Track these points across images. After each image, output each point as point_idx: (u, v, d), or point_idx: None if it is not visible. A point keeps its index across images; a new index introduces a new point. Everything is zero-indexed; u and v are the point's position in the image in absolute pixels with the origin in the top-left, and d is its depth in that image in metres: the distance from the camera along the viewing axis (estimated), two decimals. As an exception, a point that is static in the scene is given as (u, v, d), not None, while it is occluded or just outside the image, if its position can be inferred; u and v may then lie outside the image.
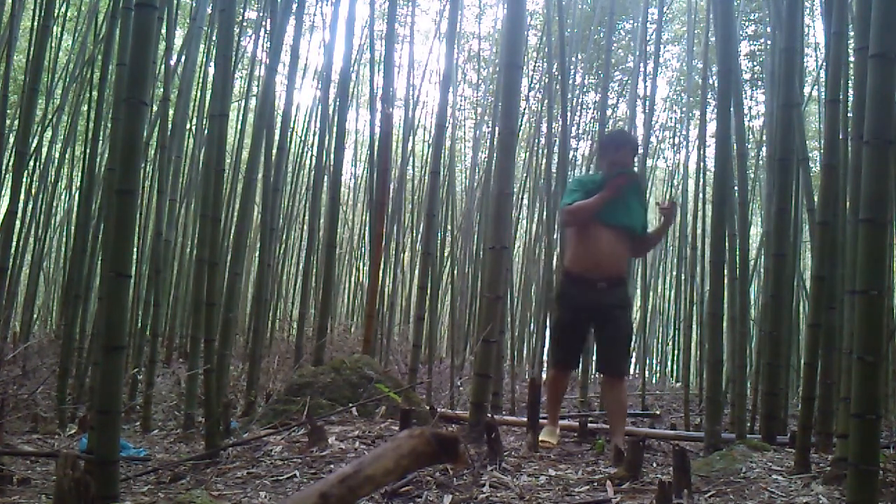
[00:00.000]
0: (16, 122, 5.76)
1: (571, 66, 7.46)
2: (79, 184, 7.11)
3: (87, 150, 4.92)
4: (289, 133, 6.23)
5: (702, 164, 7.28)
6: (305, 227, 7.56)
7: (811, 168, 4.66)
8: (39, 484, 2.71)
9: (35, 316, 7.99)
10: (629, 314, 3.79)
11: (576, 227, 3.67)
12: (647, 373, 8.41)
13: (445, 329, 10.34)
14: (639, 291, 8.09)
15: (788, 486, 2.46)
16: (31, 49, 4.62)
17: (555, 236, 6.08)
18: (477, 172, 8.61)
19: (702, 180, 7.27)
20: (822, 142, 4.05)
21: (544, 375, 6.48)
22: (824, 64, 4.76)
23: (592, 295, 3.56)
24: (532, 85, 8.67)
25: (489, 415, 3.15)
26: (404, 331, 8.68)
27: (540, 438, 3.44)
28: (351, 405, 3.53)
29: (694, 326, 7.32)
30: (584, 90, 9.40)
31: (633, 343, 4.05)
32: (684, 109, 9.82)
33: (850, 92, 3.31)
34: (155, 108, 5.33)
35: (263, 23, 6.35)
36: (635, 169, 4.20)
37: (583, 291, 3.60)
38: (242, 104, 8.74)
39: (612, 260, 3.59)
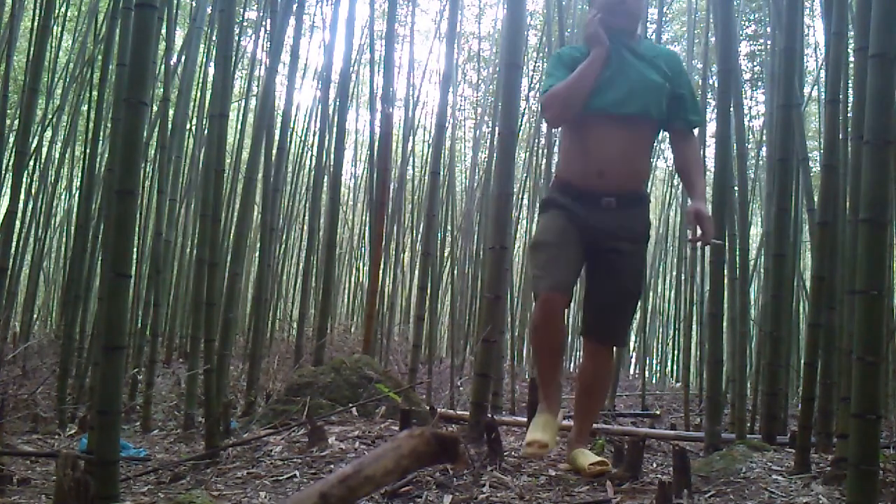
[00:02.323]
0: (16, 122, 5.76)
1: (571, 66, 7.45)
2: (79, 184, 7.11)
3: (87, 150, 4.92)
4: (289, 133, 6.23)
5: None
6: (305, 227, 7.56)
7: (811, 168, 4.66)
8: (39, 484, 2.71)
9: (35, 316, 7.98)
10: (644, 252, 2.70)
11: (567, 125, 2.65)
12: (647, 373, 8.41)
13: (445, 329, 10.34)
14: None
15: (788, 486, 2.46)
16: (31, 49, 4.62)
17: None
18: (477, 172, 8.61)
19: (702, 180, 7.26)
20: (822, 142, 4.05)
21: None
22: (824, 64, 4.76)
23: (595, 214, 2.53)
24: (532, 85, 8.67)
25: (489, 415, 3.14)
26: (404, 331, 8.68)
27: (528, 439, 2.58)
28: (351, 405, 3.53)
29: (694, 326, 7.31)
30: (584, 90, 9.38)
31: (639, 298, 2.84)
32: (684, 109, 9.80)
33: (850, 92, 3.31)
34: (155, 108, 5.33)
35: (263, 23, 6.35)
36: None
37: (581, 205, 2.55)
38: (242, 104, 8.74)
39: (623, 165, 2.52)
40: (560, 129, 2.77)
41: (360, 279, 10.52)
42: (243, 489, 2.41)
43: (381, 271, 5.64)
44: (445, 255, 8.10)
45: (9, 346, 5.51)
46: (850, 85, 3.40)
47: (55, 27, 6.18)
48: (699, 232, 2.49)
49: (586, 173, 2.55)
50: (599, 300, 2.60)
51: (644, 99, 2.52)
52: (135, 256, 5.61)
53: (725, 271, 3.72)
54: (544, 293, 2.48)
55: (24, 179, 5.29)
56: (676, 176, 2.80)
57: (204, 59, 7.09)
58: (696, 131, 2.80)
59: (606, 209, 2.52)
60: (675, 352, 11.00)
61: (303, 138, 8.53)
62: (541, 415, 2.63)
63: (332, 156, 5.50)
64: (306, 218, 7.68)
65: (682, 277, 7.95)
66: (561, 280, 2.48)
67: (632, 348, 11.54)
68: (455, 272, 7.83)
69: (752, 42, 8.60)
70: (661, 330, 11.97)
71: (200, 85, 7.06)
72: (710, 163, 5.94)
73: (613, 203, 2.52)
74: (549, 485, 2.47)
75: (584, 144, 2.55)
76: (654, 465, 3.23)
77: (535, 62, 8.67)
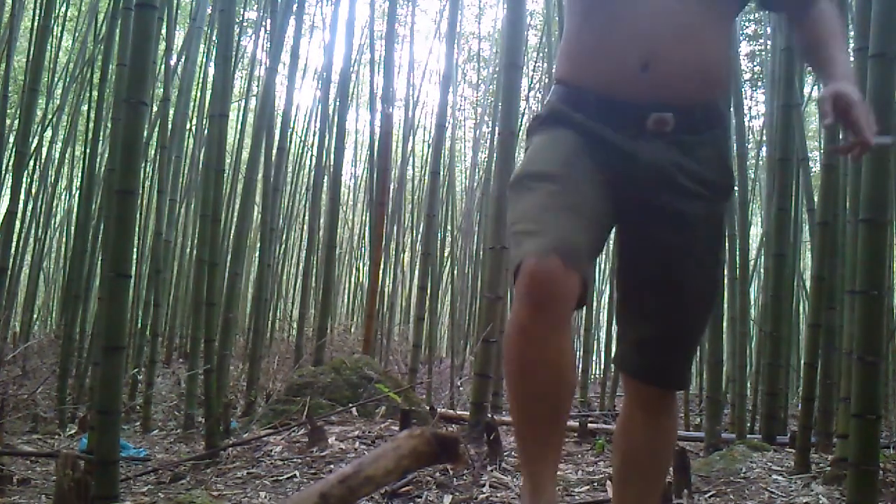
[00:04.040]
0: (16, 122, 5.76)
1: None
2: (79, 184, 7.12)
3: (87, 150, 4.92)
4: (289, 133, 6.23)
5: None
6: (305, 227, 7.56)
7: (811, 168, 4.66)
8: (39, 484, 2.71)
9: (35, 316, 7.99)
10: (725, 218, 1.54)
11: None
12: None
13: (445, 329, 10.34)
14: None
15: (788, 486, 2.47)
16: (31, 49, 4.62)
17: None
18: (477, 172, 8.61)
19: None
20: (822, 142, 4.05)
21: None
22: (824, 64, 4.75)
23: (634, 144, 1.36)
24: (532, 85, 8.66)
25: (489, 415, 3.14)
26: (404, 331, 8.68)
27: None
28: (351, 405, 3.53)
29: (694, 326, 7.29)
30: (584, 90, 9.39)
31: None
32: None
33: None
34: (155, 108, 5.33)
35: (263, 23, 6.36)
36: None
37: (609, 127, 1.37)
38: (242, 104, 8.74)
39: (686, 51, 1.36)
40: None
41: (360, 279, 10.52)
42: (243, 489, 2.41)
43: (381, 271, 5.64)
44: (445, 255, 8.10)
45: (9, 346, 5.51)
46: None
47: (55, 27, 6.18)
48: (849, 129, 1.37)
49: (618, 66, 1.35)
50: (651, 312, 1.40)
51: None
52: (135, 256, 5.61)
53: (725, 271, 3.72)
54: (534, 259, 1.22)
55: (24, 179, 5.29)
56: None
57: (204, 59, 7.09)
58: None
59: (657, 133, 1.35)
60: (675, 352, 10.97)
61: (303, 138, 8.53)
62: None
63: (332, 156, 5.50)
64: (306, 218, 7.68)
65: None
66: (569, 237, 1.25)
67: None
68: (455, 272, 7.83)
69: (752, 42, 8.60)
70: (661, 330, 11.95)
71: (200, 85, 7.06)
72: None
73: (670, 121, 1.34)
74: (549, 485, 2.46)
75: (613, 18, 1.36)
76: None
77: (535, 62, 8.67)
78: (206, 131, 5.43)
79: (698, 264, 1.39)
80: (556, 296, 1.22)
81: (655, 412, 1.45)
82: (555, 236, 1.25)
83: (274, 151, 4.72)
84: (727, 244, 4.01)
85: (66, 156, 7.47)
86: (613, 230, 1.46)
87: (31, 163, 6.26)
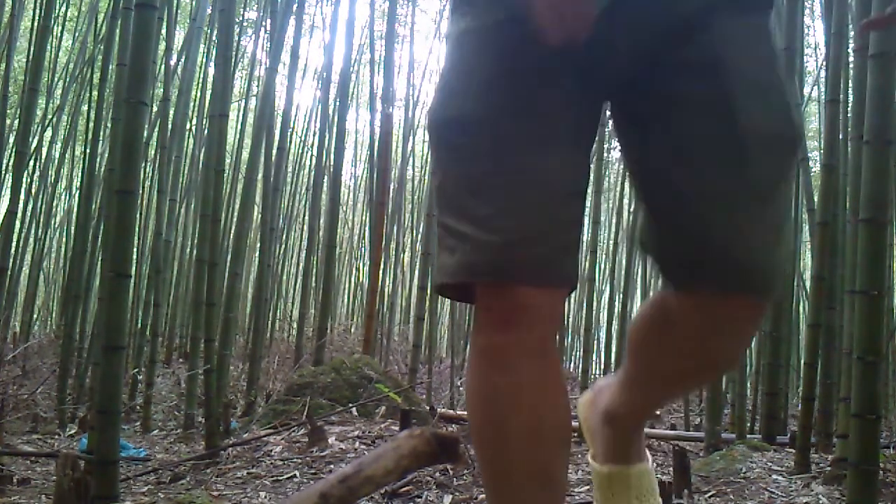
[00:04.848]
0: (16, 122, 5.76)
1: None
2: (79, 184, 7.11)
3: (87, 150, 4.92)
4: (289, 133, 6.23)
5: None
6: (305, 227, 7.56)
7: (811, 168, 4.66)
8: (39, 484, 2.71)
9: (35, 316, 7.98)
10: (772, 39, 1.05)
11: None
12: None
13: (445, 329, 10.34)
14: (639, 292, 8.09)
15: (788, 486, 2.47)
16: (31, 49, 4.62)
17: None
18: (477, 172, 8.59)
19: (702, 180, 7.24)
20: (822, 142, 4.04)
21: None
22: (824, 64, 4.75)
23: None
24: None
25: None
26: (404, 331, 8.68)
27: None
28: (351, 405, 3.53)
29: (694, 326, 7.28)
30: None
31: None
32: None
33: (850, 92, 3.31)
34: (155, 108, 5.33)
35: (263, 23, 6.36)
36: None
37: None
38: (242, 104, 8.74)
39: None
40: None
41: (360, 279, 10.51)
42: (243, 489, 2.41)
43: (381, 271, 5.64)
44: (445, 255, 8.07)
45: (9, 346, 5.51)
46: (850, 85, 3.40)
47: (55, 27, 6.18)
48: None
49: None
50: (709, 191, 0.99)
51: None
52: (135, 256, 5.61)
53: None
54: (485, 298, 0.97)
55: (24, 179, 5.29)
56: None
57: (204, 59, 7.09)
58: None
59: None
60: (675, 352, 10.96)
61: (303, 138, 8.53)
62: None
63: (332, 156, 5.50)
64: (306, 218, 7.68)
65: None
66: (534, 229, 0.91)
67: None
68: (455, 272, 7.79)
69: (752, 42, 8.58)
70: (661, 330, 11.93)
71: (200, 85, 7.06)
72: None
73: None
74: (549, 485, 2.46)
75: None
76: (655, 465, 3.23)
77: (535, 62, 8.66)
78: (206, 131, 5.43)
79: (758, 99, 1.00)
80: (527, 324, 0.94)
81: (709, 308, 0.99)
82: (511, 239, 0.88)
83: (274, 151, 4.72)
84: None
85: (66, 156, 7.47)
86: (615, 121, 1.10)
87: (31, 163, 6.26)
